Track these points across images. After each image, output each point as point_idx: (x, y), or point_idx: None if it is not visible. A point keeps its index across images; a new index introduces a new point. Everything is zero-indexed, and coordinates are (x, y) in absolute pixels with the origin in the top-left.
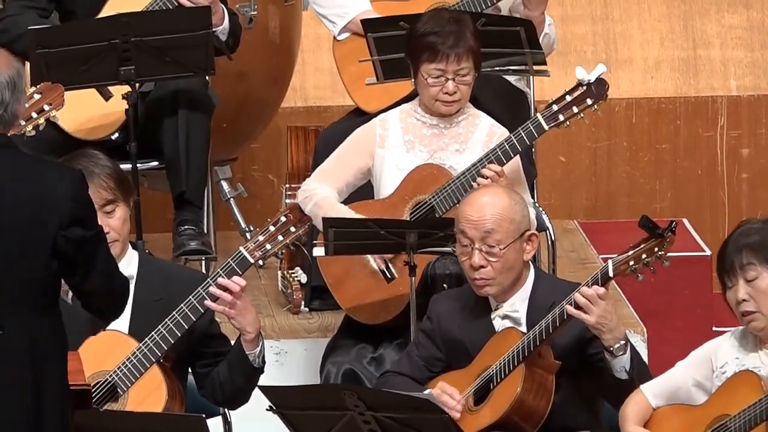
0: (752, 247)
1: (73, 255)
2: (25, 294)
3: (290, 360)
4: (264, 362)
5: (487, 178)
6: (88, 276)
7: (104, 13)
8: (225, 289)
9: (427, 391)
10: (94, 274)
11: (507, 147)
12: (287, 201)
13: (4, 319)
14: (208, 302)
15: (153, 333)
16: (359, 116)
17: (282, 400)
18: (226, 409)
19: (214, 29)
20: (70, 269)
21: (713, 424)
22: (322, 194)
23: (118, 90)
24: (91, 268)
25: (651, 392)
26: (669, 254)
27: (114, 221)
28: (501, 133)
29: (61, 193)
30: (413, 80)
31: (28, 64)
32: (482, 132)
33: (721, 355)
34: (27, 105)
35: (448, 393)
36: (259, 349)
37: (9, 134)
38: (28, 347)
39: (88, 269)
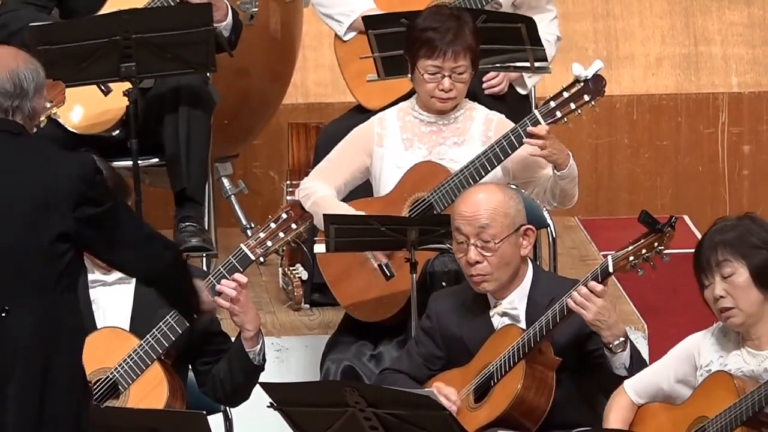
0: (727, 244)
1: (90, 234)
2: (30, 277)
3: (291, 357)
4: (264, 360)
5: (538, 137)
6: (112, 250)
7: (105, 10)
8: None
9: (427, 389)
10: (119, 246)
11: (505, 143)
12: (288, 198)
13: (9, 301)
14: (216, 298)
15: (154, 330)
16: (360, 113)
17: (283, 396)
18: (227, 406)
19: (217, 25)
20: (92, 247)
21: (693, 427)
22: (320, 193)
23: (119, 87)
24: (114, 240)
25: (634, 391)
26: (670, 250)
27: None
28: (497, 119)
29: (67, 177)
30: (410, 76)
31: None
32: (479, 122)
33: (704, 353)
34: None
35: (444, 394)
36: (259, 347)
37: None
38: (32, 330)
39: (110, 243)
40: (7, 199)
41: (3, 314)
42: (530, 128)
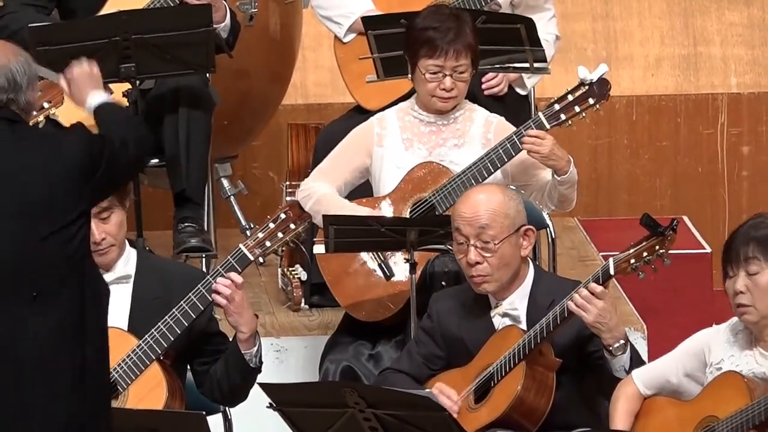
0: (760, 241)
1: (101, 190)
2: (54, 261)
3: (290, 357)
4: (261, 362)
5: (532, 143)
6: (120, 181)
7: (105, 10)
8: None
9: (427, 390)
10: (120, 175)
11: (508, 145)
12: (287, 198)
13: (38, 287)
14: (213, 295)
15: (153, 330)
16: (360, 114)
17: (282, 397)
18: (225, 407)
19: (215, 26)
20: (110, 191)
21: (701, 426)
22: (322, 191)
23: (119, 87)
24: (115, 175)
25: (642, 382)
26: (670, 252)
27: (110, 227)
28: (497, 121)
29: (72, 157)
30: (410, 76)
31: None
32: (479, 124)
33: (715, 351)
34: None
35: (446, 394)
36: (255, 349)
37: None
38: (63, 312)
39: (113, 179)
40: (18, 187)
41: (36, 299)
42: (528, 133)
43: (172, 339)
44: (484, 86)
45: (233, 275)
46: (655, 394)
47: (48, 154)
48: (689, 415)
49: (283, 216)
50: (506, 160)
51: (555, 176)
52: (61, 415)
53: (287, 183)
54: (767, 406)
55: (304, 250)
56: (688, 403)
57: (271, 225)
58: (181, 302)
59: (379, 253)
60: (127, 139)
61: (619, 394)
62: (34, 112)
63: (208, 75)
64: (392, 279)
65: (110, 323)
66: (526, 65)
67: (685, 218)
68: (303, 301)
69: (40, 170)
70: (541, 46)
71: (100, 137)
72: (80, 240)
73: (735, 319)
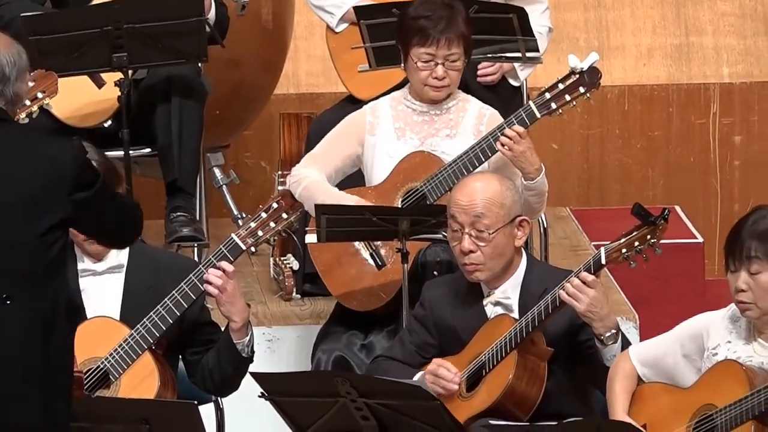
0: (762, 239)
1: (81, 216)
2: (31, 265)
3: (282, 347)
4: (253, 352)
5: (510, 138)
6: (99, 228)
7: (97, 0)
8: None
9: (418, 376)
10: (104, 225)
11: (499, 134)
12: (279, 188)
13: (11, 290)
14: (204, 285)
15: (145, 320)
16: (352, 104)
17: (274, 386)
18: (217, 396)
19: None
20: (79, 227)
21: (699, 413)
22: (311, 178)
23: (111, 77)
24: (101, 221)
25: (639, 360)
26: (661, 241)
27: None
28: (490, 114)
29: (63, 163)
30: (403, 65)
31: None
32: (472, 115)
33: (713, 336)
34: None
35: (445, 366)
36: (247, 338)
37: None
38: (35, 318)
39: (98, 224)
40: (2, 185)
41: (8, 302)
42: (507, 130)
43: (164, 329)
44: (478, 74)
45: (224, 264)
46: (648, 372)
47: (39, 155)
48: (686, 402)
49: (275, 205)
50: (496, 150)
51: (522, 180)
52: (24, 416)
53: (279, 172)
54: None
55: (296, 239)
56: (684, 391)
57: (264, 214)
58: (173, 292)
59: (371, 243)
60: (118, 195)
61: (617, 372)
62: (27, 102)
63: (200, 64)
64: (384, 269)
65: (102, 313)
66: (519, 55)
67: (677, 208)
68: (295, 290)
69: (29, 170)
70: (534, 36)
71: (96, 170)
72: (59, 249)
73: (734, 306)
